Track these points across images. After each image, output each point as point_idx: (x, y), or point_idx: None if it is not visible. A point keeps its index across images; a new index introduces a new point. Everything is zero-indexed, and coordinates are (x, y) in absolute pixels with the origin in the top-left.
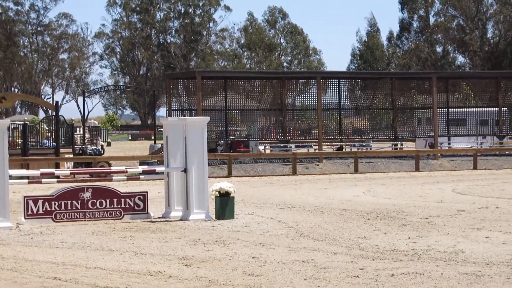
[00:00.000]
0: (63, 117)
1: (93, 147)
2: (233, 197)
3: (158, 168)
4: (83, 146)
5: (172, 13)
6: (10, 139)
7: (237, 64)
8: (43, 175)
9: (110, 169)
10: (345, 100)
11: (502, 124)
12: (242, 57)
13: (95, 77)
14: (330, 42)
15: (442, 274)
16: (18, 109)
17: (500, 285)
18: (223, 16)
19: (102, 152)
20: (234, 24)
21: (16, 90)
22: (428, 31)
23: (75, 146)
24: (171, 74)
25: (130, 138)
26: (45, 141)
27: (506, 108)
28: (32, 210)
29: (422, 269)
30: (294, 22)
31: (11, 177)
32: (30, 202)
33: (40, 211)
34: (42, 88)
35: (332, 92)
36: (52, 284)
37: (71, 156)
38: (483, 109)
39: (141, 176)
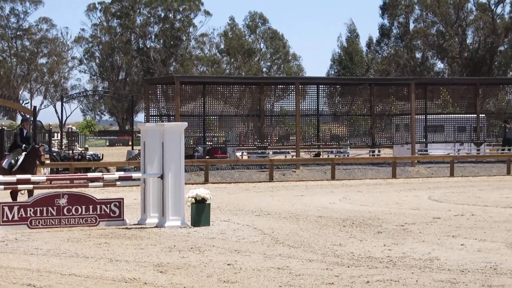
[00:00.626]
0: (41, 122)
1: (92, 153)
2: (209, 204)
3: (135, 175)
4: (82, 152)
5: (152, 18)
6: None
7: (216, 69)
8: (19, 181)
9: (87, 175)
10: (324, 106)
11: (480, 131)
12: (222, 62)
13: (74, 82)
14: (310, 48)
15: (417, 281)
16: None
17: None
18: (203, 21)
19: (101, 158)
20: (214, 29)
21: None
22: (407, 37)
23: (52, 151)
24: (150, 79)
25: (107, 143)
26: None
27: (484, 115)
28: (7, 217)
29: (397, 277)
30: (275, 28)
31: None
32: (6, 208)
33: (16, 218)
34: (20, 93)
35: (311, 98)
36: None
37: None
38: (461, 115)
39: (118, 183)
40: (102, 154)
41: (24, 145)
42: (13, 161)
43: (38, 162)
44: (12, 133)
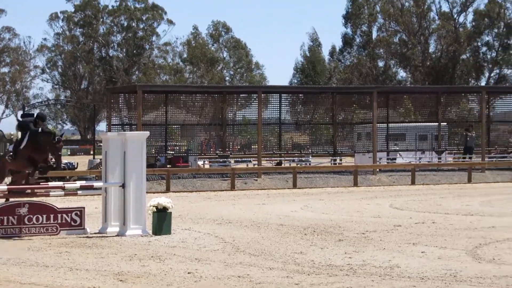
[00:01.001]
0: (2, 132)
1: (66, 161)
2: (171, 213)
3: (96, 184)
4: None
5: (115, 27)
6: None
7: (179, 78)
8: None
9: (48, 184)
10: (286, 114)
11: (441, 139)
12: (184, 71)
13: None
14: (273, 57)
15: None
16: None
17: None
18: (167, 30)
19: (76, 166)
20: (177, 38)
21: None
22: (370, 45)
23: None
24: (112, 88)
25: (69, 153)
26: None
27: (445, 123)
28: None
29: (357, 284)
30: (238, 36)
31: None
32: None
33: None
34: None
35: (273, 106)
36: None
37: None
38: (423, 124)
39: (79, 192)
40: (77, 163)
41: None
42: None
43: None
44: None
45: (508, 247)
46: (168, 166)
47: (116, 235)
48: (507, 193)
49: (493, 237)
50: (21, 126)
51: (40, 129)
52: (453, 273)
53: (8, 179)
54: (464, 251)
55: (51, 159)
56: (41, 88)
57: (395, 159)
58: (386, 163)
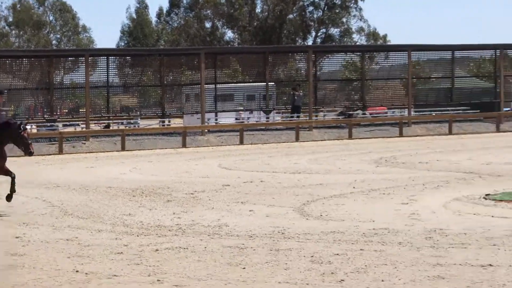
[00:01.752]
0: None
1: None
2: None
3: None
4: None
5: None
6: None
7: (5, 42)
8: None
9: None
10: (114, 77)
11: (269, 99)
12: (10, 35)
13: None
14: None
15: (205, 247)
16: None
17: (262, 257)
18: None
19: None
20: (2, 2)
21: None
22: (197, 7)
23: None
24: None
25: None
26: None
27: (273, 83)
28: None
29: (186, 244)
30: (64, 0)
31: None
32: None
33: None
34: None
35: (101, 70)
36: None
37: None
38: (251, 84)
39: None
40: None
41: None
42: None
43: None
44: None
45: (335, 203)
46: None
47: None
48: (334, 151)
49: (320, 194)
50: None
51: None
52: (281, 230)
53: None
54: (292, 208)
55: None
56: None
57: (238, 119)
58: (214, 124)
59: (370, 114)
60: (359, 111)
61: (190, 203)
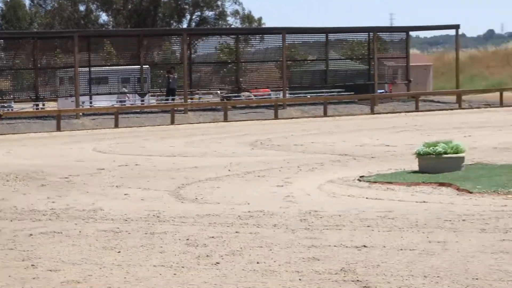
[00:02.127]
0: None
1: None
2: None
3: None
4: None
5: None
6: None
7: None
8: None
9: None
10: None
11: (144, 82)
12: None
13: None
14: None
15: (80, 232)
16: None
17: (138, 240)
18: None
19: None
20: None
21: None
22: None
23: None
24: None
25: None
26: None
27: (148, 66)
28: None
29: (60, 228)
30: None
31: None
32: None
33: None
34: None
35: None
36: None
37: None
38: (125, 67)
39: None
40: None
41: None
42: None
43: None
44: None
45: (210, 186)
46: None
47: None
48: (209, 134)
49: (195, 177)
50: None
51: None
52: (156, 213)
53: None
54: (167, 191)
55: None
56: None
57: (124, 101)
58: (89, 107)
59: (255, 96)
60: (245, 93)
61: (65, 187)
